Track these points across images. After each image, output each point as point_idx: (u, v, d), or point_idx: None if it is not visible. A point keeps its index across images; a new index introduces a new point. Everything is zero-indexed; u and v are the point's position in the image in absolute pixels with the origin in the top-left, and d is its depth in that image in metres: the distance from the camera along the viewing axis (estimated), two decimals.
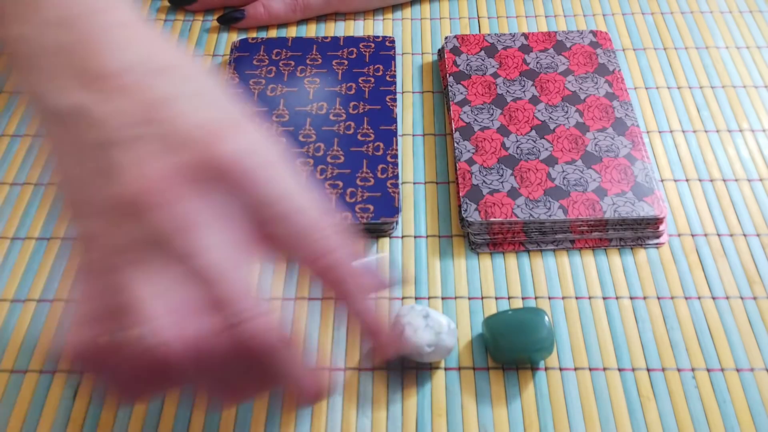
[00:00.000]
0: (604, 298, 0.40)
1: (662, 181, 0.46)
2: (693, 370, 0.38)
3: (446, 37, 0.52)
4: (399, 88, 0.52)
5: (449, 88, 0.49)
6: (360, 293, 0.30)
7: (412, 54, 0.54)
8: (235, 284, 0.27)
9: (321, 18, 0.57)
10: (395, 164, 0.45)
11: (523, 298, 0.40)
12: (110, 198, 0.27)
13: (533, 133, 0.46)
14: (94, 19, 0.29)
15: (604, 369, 0.38)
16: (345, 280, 0.30)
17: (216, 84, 0.30)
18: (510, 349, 0.36)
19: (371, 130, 0.46)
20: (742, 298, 0.40)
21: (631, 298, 0.40)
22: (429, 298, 0.40)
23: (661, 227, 0.42)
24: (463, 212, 0.42)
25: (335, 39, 0.52)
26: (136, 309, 0.26)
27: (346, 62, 0.51)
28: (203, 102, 0.29)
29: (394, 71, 0.50)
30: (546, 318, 0.37)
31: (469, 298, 0.40)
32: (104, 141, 0.27)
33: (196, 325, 0.27)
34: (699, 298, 0.40)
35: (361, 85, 0.49)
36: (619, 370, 0.38)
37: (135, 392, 0.29)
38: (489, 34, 0.52)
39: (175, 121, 0.27)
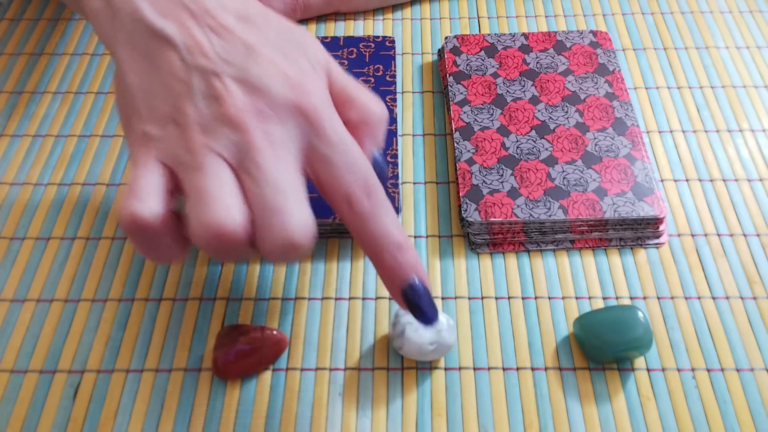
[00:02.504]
0: (604, 298, 0.40)
1: (662, 181, 0.46)
2: (693, 370, 0.38)
3: (446, 37, 0.52)
4: (399, 88, 0.52)
5: (449, 88, 0.49)
6: (386, 251, 0.33)
7: (412, 54, 0.54)
8: (285, 201, 0.31)
9: (321, 18, 0.57)
10: (395, 164, 0.45)
11: (523, 298, 0.40)
12: (212, 114, 0.32)
13: (533, 133, 0.46)
14: None
15: (604, 369, 0.38)
16: (372, 234, 0.33)
17: (294, 35, 0.35)
18: (610, 349, 0.37)
19: None
20: (742, 298, 0.40)
21: (631, 298, 0.40)
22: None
23: (661, 227, 0.42)
24: (463, 212, 0.42)
25: (335, 39, 0.52)
26: (204, 198, 0.31)
27: (346, 62, 0.51)
28: (283, 51, 0.34)
29: (394, 71, 0.50)
30: (640, 314, 0.37)
31: (469, 298, 0.40)
32: (205, 68, 0.32)
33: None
34: (699, 298, 0.40)
35: None
36: (619, 370, 0.38)
37: (173, 257, 0.33)
38: (489, 34, 0.52)
39: (268, 67, 0.33)
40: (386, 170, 0.38)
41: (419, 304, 0.34)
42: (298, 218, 0.31)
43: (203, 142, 0.31)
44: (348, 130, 0.35)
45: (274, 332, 0.38)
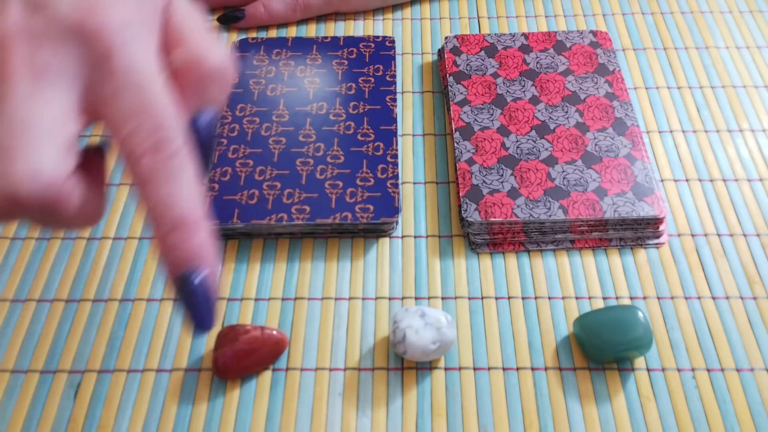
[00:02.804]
0: (604, 298, 0.40)
1: (662, 181, 0.46)
2: (693, 370, 0.38)
3: (446, 37, 0.52)
4: (399, 88, 0.52)
5: (449, 88, 0.49)
6: (163, 214, 0.27)
7: (412, 54, 0.54)
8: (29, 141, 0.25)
9: (321, 18, 0.57)
10: (395, 164, 0.45)
11: (523, 298, 0.40)
12: None
13: (533, 133, 0.46)
14: None
15: (604, 369, 0.38)
16: (147, 200, 0.27)
17: None
18: (611, 349, 0.37)
19: (371, 130, 0.46)
20: (742, 298, 0.40)
21: (631, 298, 0.40)
22: (429, 298, 0.40)
23: (661, 227, 0.42)
24: (463, 212, 0.42)
25: (335, 39, 0.52)
26: None
27: (346, 62, 0.51)
28: None
29: (394, 71, 0.50)
30: (640, 314, 0.37)
31: (469, 298, 0.40)
32: None
33: None
34: (699, 298, 0.40)
35: (361, 85, 0.49)
36: (619, 370, 0.38)
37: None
38: (489, 34, 0.52)
39: None
40: (213, 136, 0.31)
41: (191, 302, 0.27)
42: (28, 163, 0.25)
43: None
44: (172, 77, 0.29)
45: (274, 332, 0.38)
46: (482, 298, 0.40)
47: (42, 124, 0.26)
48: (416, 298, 0.40)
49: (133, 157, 0.26)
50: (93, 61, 0.27)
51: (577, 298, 0.40)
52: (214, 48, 0.30)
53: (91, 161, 0.29)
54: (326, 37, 0.52)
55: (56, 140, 0.26)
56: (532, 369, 0.38)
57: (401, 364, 0.38)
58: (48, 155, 0.25)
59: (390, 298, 0.40)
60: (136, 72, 0.27)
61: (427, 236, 0.43)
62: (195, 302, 0.27)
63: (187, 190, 0.27)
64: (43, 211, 0.26)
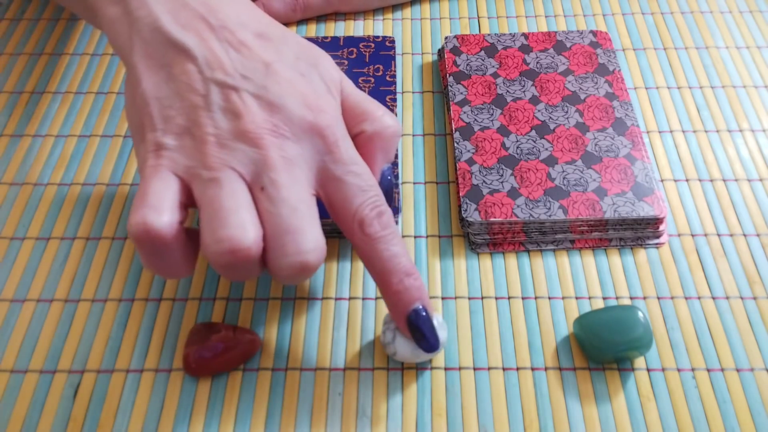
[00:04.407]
0: (604, 298, 0.40)
1: (662, 181, 0.46)
2: (693, 370, 0.38)
3: (446, 37, 0.52)
4: (399, 88, 0.52)
5: (449, 88, 0.49)
6: (391, 275, 0.34)
7: (412, 54, 0.54)
8: (295, 222, 0.31)
9: (321, 18, 0.57)
10: (395, 164, 0.45)
11: (523, 298, 0.40)
12: (230, 129, 0.32)
13: (533, 133, 0.46)
14: None
15: (604, 369, 0.38)
16: (381, 257, 0.33)
17: (310, 54, 0.36)
18: (611, 349, 0.37)
19: None
20: (742, 298, 0.40)
21: (631, 298, 0.40)
22: (429, 297, 0.40)
23: (661, 227, 0.42)
24: (463, 212, 0.42)
25: (335, 39, 0.52)
26: (219, 213, 0.31)
27: (346, 62, 0.51)
28: (300, 70, 0.35)
29: (394, 71, 0.50)
30: (640, 314, 0.37)
31: (469, 298, 0.40)
32: (224, 83, 0.32)
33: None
34: (699, 298, 0.40)
35: (361, 85, 0.49)
36: (619, 370, 0.38)
37: (179, 272, 0.33)
38: (489, 34, 0.52)
39: (285, 86, 0.33)
40: (393, 185, 0.38)
41: (423, 330, 0.34)
42: (311, 239, 0.31)
43: (219, 157, 0.31)
44: (360, 144, 0.36)
45: (246, 332, 0.38)
46: (482, 298, 0.41)
47: (307, 206, 0.32)
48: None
49: (365, 225, 0.33)
50: (323, 152, 0.33)
51: (577, 298, 0.40)
52: (389, 114, 0.37)
53: None
54: (326, 37, 0.52)
55: (317, 217, 0.32)
56: (532, 369, 0.38)
57: (401, 364, 0.38)
58: (319, 230, 0.32)
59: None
60: (355, 159, 0.34)
61: (427, 236, 0.43)
62: (426, 329, 0.34)
63: (401, 244, 0.34)
64: (314, 272, 0.32)
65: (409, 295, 0.34)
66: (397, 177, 0.44)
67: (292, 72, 0.34)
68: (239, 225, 0.30)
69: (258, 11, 0.36)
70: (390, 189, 0.38)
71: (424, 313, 0.34)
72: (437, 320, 0.37)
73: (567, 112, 0.47)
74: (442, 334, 0.37)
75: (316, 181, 0.33)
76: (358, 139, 0.36)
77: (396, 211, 0.42)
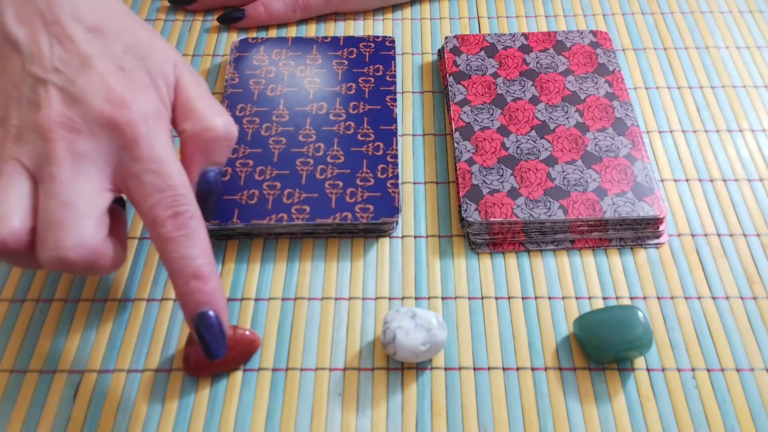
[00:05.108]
0: (604, 298, 0.40)
1: (662, 181, 0.46)
2: (693, 370, 0.38)
3: (446, 37, 0.52)
4: (399, 88, 0.52)
5: (449, 88, 0.49)
6: (181, 272, 0.33)
7: (412, 54, 0.54)
8: (70, 219, 0.31)
9: (321, 18, 0.57)
10: (395, 164, 0.45)
11: (523, 298, 0.40)
12: (27, 121, 0.32)
13: (533, 133, 0.46)
14: None
15: (604, 369, 0.38)
16: (169, 258, 0.33)
17: (144, 47, 0.35)
18: (611, 349, 0.37)
19: (371, 130, 0.46)
20: (742, 298, 0.40)
21: (631, 298, 0.40)
22: (429, 298, 0.40)
23: (661, 227, 0.42)
24: (463, 212, 0.42)
25: (335, 39, 0.52)
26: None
27: (346, 62, 0.51)
28: (121, 63, 0.34)
29: (394, 71, 0.50)
30: (640, 314, 0.37)
31: (469, 298, 0.40)
32: (36, 75, 0.33)
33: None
34: (699, 298, 0.40)
35: (361, 85, 0.49)
36: (619, 370, 0.38)
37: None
38: (489, 34, 0.52)
39: (95, 80, 0.33)
40: (218, 190, 0.37)
41: (204, 336, 0.34)
42: (74, 236, 0.31)
43: (12, 149, 0.32)
44: (182, 143, 0.36)
45: (246, 332, 0.38)
46: (482, 298, 0.41)
47: (83, 202, 0.31)
48: (416, 298, 0.40)
49: (157, 224, 0.33)
50: (122, 148, 0.33)
51: (577, 298, 0.40)
52: (218, 117, 0.36)
53: (114, 218, 0.35)
54: (326, 37, 0.52)
55: (94, 214, 0.32)
56: (532, 369, 0.38)
57: (401, 364, 0.38)
58: (89, 227, 0.31)
59: (390, 298, 0.40)
60: (156, 156, 0.33)
61: (427, 236, 0.43)
62: (210, 336, 0.34)
63: (201, 247, 0.33)
64: (85, 269, 0.32)
65: (194, 298, 0.33)
66: (221, 183, 0.41)
67: (109, 66, 0.34)
68: (1, 216, 0.31)
69: (109, 5, 0.36)
70: (210, 193, 0.37)
71: (211, 319, 0.33)
72: (437, 320, 0.37)
73: (567, 112, 0.47)
74: (442, 333, 0.37)
75: (115, 177, 0.33)
76: (181, 137, 0.36)
77: (396, 211, 0.42)
